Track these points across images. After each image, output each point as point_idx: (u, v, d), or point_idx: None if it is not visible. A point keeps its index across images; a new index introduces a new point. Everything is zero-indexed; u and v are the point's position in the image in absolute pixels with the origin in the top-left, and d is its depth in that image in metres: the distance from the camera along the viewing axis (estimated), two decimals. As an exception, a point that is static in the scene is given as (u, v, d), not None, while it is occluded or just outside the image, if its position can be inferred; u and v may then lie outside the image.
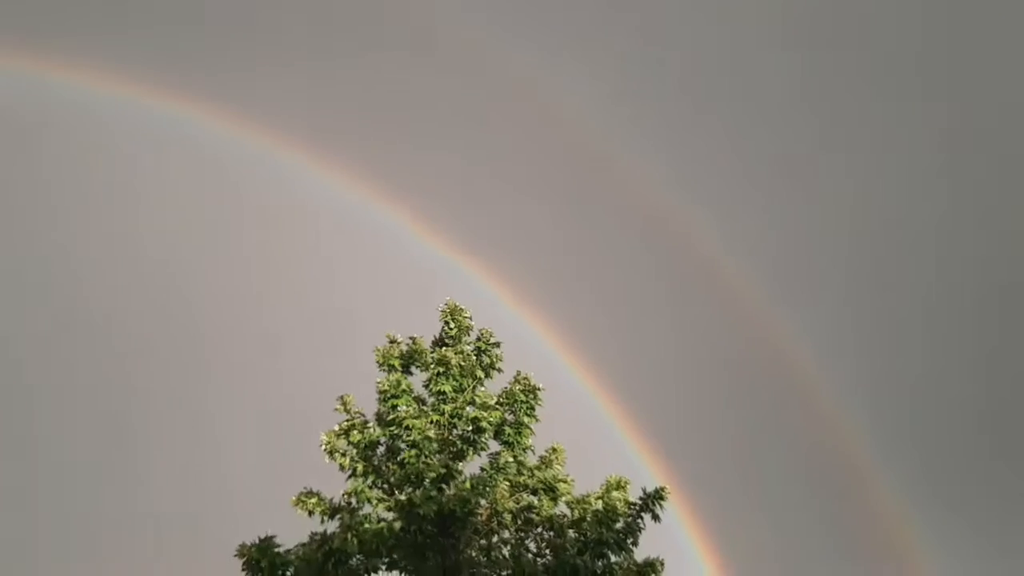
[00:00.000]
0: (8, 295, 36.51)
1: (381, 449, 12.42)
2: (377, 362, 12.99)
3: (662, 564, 11.85)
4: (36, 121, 36.59)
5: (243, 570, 11.12)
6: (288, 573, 11.19)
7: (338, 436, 12.22)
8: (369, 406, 12.85)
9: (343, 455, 12.10)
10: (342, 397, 12.69)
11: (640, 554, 12.07)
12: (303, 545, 11.29)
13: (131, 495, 33.57)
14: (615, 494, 12.25)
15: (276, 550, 11.22)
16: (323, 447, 12.17)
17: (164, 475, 34.05)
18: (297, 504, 11.72)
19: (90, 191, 38.53)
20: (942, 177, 40.33)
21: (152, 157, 38.10)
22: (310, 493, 11.87)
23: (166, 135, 36.21)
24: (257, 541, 11.22)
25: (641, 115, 40.42)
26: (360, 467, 12.06)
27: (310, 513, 11.66)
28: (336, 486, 12.09)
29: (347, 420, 12.45)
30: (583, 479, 12.74)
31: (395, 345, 13.17)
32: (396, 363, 12.94)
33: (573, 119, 38.29)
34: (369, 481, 12.01)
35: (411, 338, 13.22)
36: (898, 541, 32.70)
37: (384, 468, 12.21)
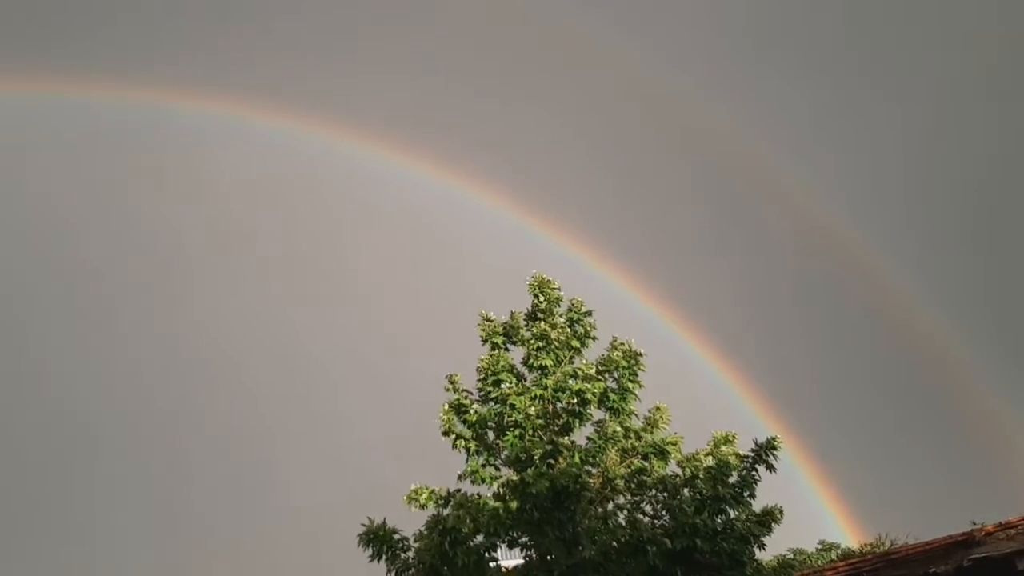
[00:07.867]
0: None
1: (491, 430, 12.54)
2: (482, 338, 13.12)
3: (781, 512, 11.74)
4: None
5: (360, 546, 11.64)
6: (408, 556, 11.59)
7: (449, 412, 12.37)
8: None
9: (458, 437, 12.28)
10: (450, 376, 12.81)
11: (765, 507, 11.88)
12: (421, 530, 11.63)
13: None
14: (724, 448, 12.12)
15: (395, 536, 11.68)
16: (440, 423, 12.31)
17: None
18: (409, 501, 11.95)
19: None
20: None
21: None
22: (419, 488, 12.08)
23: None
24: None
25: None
26: (473, 446, 12.30)
27: (423, 506, 11.91)
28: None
29: (456, 398, 12.57)
30: (698, 436, 12.60)
31: (492, 323, 13.28)
32: (500, 340, 13.08)
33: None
34: (483, 460, 12.25)
35: (512, 312, 13.29)
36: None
37: (495, 446, 12.39)
